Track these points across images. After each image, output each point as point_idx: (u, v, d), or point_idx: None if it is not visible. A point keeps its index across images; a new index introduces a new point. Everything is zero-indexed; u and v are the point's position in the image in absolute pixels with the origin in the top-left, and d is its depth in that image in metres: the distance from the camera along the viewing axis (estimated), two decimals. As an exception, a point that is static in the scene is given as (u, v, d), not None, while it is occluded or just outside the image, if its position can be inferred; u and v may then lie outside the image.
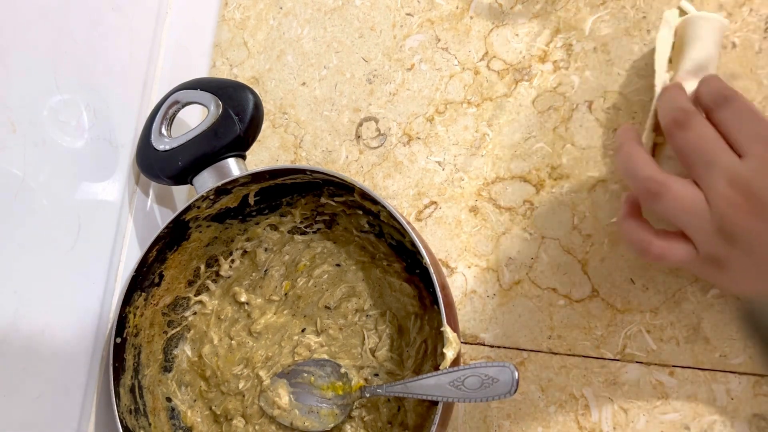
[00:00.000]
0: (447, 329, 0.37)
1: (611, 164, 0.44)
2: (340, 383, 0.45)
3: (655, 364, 0.41)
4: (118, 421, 0.42)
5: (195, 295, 0.50)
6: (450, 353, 0.37)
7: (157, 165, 0.47)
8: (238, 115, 0.45)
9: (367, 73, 0.53)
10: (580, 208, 0.45)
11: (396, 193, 0.50)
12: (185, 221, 0.46)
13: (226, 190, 0.46)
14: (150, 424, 0.46)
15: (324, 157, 0.53)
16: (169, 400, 0.49)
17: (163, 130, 0.48)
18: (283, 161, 0.54)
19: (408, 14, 0.52)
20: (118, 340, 0.44)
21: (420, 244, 0.39)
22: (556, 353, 0.44)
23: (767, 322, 0.34)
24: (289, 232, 0.50)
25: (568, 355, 0.43)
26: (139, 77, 0.49)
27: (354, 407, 0.45)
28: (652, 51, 0.42)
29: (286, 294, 0.49)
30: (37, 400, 0.39)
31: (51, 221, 0.40)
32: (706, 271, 0.35)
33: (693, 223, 0.34)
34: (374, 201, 0.42)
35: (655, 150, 0.40)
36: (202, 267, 0.50)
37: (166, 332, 0.49)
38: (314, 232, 0.50)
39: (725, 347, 0.40)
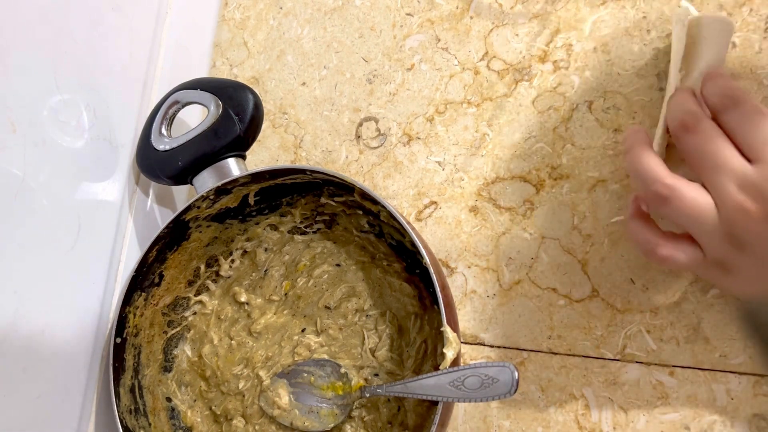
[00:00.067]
0: (447, 329, 0.37)
1: (611, 164, 0.44)
2: (340, 383, 0.45)
3: (655, 364, 0.41)
4: (118, 421, 0.42)
5: (195, 295, 0.50)
6: (450, 353, 0.37)
7: (157, 165, 0.47)
8: (238, 115, 0.45)
9: (367, 73, 0.53)
10: (580, 208, 0.45)
11: (396, 193, 0.50)
12: (185, 221, 0.46)
13: (226, 190, 0.46)
14: (150, 424, 0.46)
15: (324, 157, 0.53)
16: (169, 400, 0.49)
17: (163, 130, 0.48)
18: (283, 161, 0.54)
19: (408, 14, 0.52)
20: (118, 340, 0.44)
21: (420, 244, 0.39)
22: (556, 353, 0.44)
23: (767, 322, 0.34)
24: (289, 232, 0.50)
25: (568, 355, 0.43)
26: (139, 77, 0.49)
27: (354, 407, 0.45)
28: (656, 51, 0.41)
29: (286, 294, 0.49)
30: (37, 400, 0.39)
31: (51, 221, 0.40)
32: (712, 274, 0.35)
33: (701, 228, 0.33)
34: (374, 201, 0.42)
35: (668, 151, 0.40)
36: (202, 267, 0.50)
37: (166, 332, 0.49)
38: (314, 232, 0.50)
39: (725, 347, 0.40)
